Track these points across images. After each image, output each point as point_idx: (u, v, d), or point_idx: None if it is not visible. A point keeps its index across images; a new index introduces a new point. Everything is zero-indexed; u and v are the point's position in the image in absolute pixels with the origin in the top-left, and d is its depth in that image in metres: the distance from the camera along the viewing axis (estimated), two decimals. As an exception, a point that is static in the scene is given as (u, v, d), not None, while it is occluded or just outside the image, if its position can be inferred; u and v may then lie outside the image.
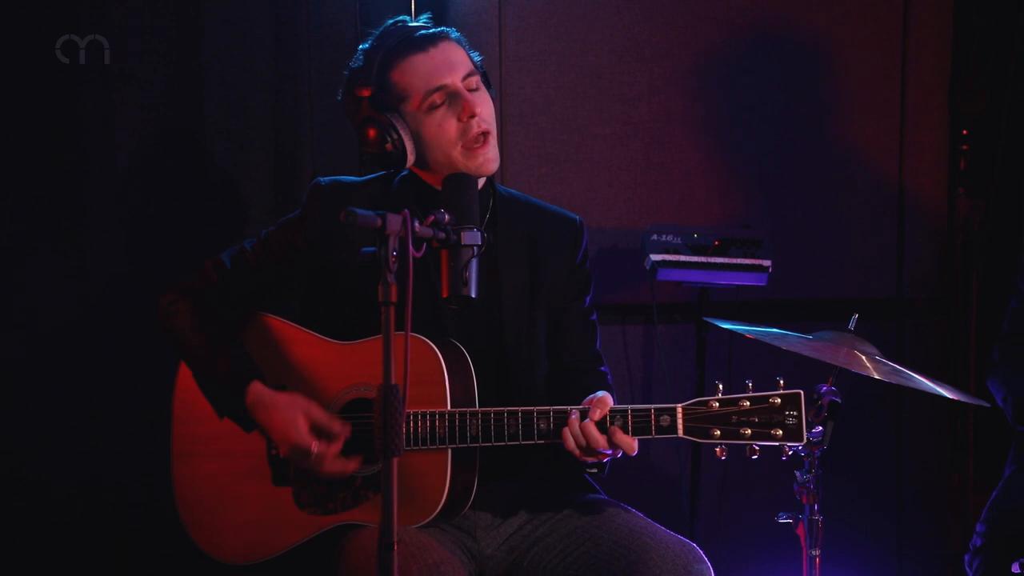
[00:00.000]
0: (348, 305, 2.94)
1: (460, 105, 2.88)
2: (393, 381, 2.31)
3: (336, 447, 2.83)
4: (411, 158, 2.92)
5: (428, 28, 2.94)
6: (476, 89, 2.92)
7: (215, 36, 3.88)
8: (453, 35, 2.96)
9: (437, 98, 2.88)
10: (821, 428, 2.95)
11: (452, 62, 2.90)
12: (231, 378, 2.88)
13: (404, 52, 2.90)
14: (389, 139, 2.89)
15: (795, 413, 2.70)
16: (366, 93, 2.91)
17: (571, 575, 2.86)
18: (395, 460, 2.30)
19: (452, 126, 2.89)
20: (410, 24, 2.95)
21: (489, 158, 2.91)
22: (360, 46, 2.98)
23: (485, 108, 2.91)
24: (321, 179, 3.03)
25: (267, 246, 3.02)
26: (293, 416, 2.83)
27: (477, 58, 2.98)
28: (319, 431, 2.83)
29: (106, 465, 3.78)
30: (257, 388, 2.87)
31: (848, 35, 4.29)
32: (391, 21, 2.97)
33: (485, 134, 2.90)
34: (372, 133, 2.90)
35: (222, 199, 3.89)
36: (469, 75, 2.91)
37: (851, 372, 2.95)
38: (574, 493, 3.01)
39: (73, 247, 3.80)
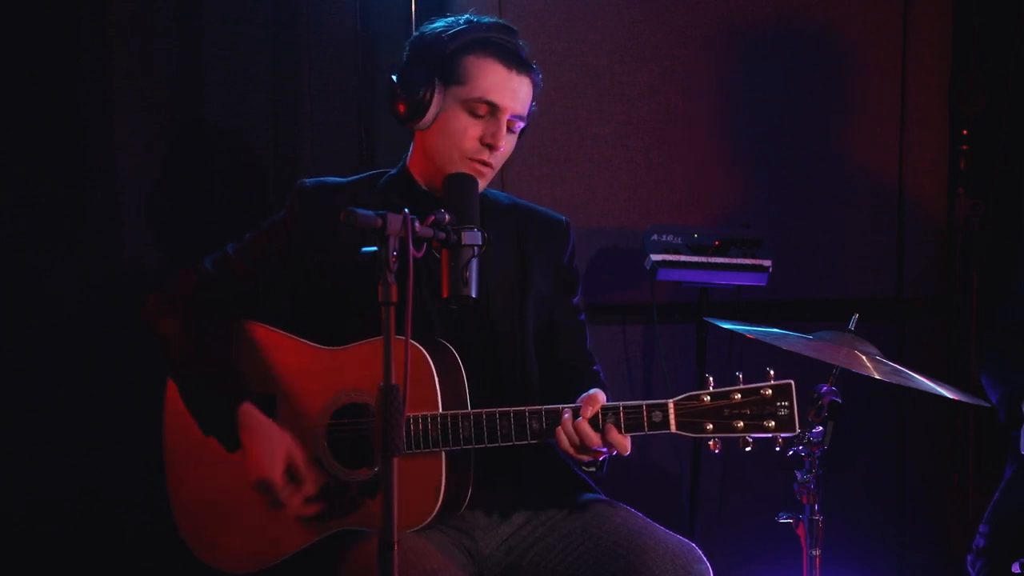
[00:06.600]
0: (335, 308, 2.93)
1: (491, 130, 2.90)
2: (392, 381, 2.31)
3: (301, 497, 2.84)
4: (425, 123, 2.91)
5: (525, 56, 2.95)
6: (512, 132, 2.95)
7: (215, 36, 3.87)
8: (537, 78, 2.97)
9: (484, 109, 2.90)
10: (821, 428, 2.95)
11: (519, 96, 2.92)
12: (220, 396, 2.88)
13: (494, 54, 2.90)
14: (422, 96, 2.88)
15: (786, 403, 2.68)
16: (438, 51, 2.90)
17: (571, 575, 2.86)
18: (395, 460, 2.30)
19: (472, 138, 2.90)
20: (516, 40, 2.96)
21: (480, 180, 2.91)
22: (467, 15, 2.97)
23: (506, 149, 2.94)
24: (305, 180, 3.03)
25: (250, 249, 3.01)
26: (274, 451, 2.83)
27: (534, 110, 3.00)
28: (293, 474, 2.84)
29: (106, 465, 3.78)
30: (247, 409, 2.86)
31: (848, 35, 4.30)
32: (503, 22, 2.99)
33: (489, 165, 2.92)
34: (413, 83, 2.89)
35: (222, 199, 3.89)
36: (518, 117, 2.93)
37: (851, 372, 2.95)
38: (573, 493, 3.00)
39: (73, 247, 3.80)
